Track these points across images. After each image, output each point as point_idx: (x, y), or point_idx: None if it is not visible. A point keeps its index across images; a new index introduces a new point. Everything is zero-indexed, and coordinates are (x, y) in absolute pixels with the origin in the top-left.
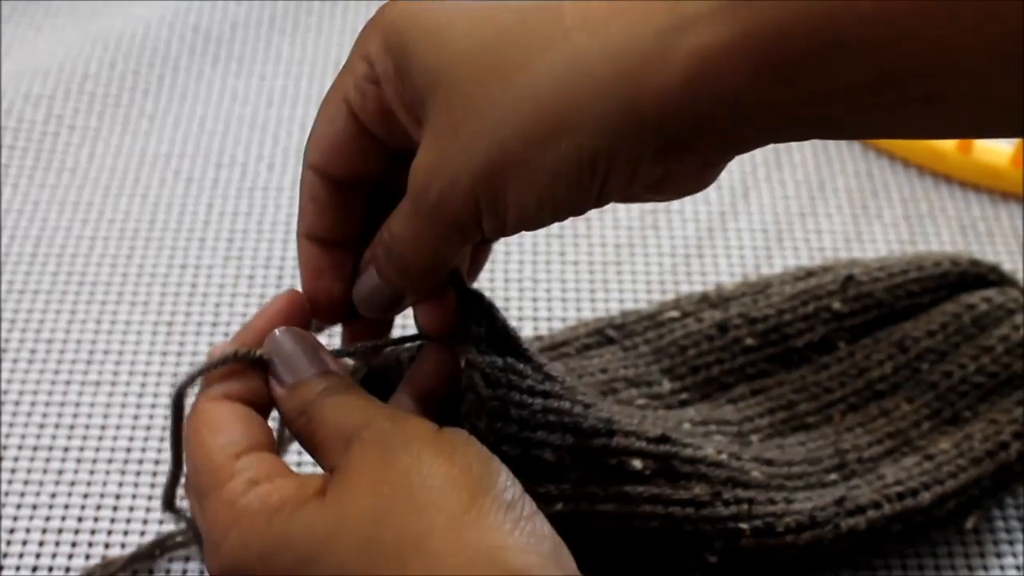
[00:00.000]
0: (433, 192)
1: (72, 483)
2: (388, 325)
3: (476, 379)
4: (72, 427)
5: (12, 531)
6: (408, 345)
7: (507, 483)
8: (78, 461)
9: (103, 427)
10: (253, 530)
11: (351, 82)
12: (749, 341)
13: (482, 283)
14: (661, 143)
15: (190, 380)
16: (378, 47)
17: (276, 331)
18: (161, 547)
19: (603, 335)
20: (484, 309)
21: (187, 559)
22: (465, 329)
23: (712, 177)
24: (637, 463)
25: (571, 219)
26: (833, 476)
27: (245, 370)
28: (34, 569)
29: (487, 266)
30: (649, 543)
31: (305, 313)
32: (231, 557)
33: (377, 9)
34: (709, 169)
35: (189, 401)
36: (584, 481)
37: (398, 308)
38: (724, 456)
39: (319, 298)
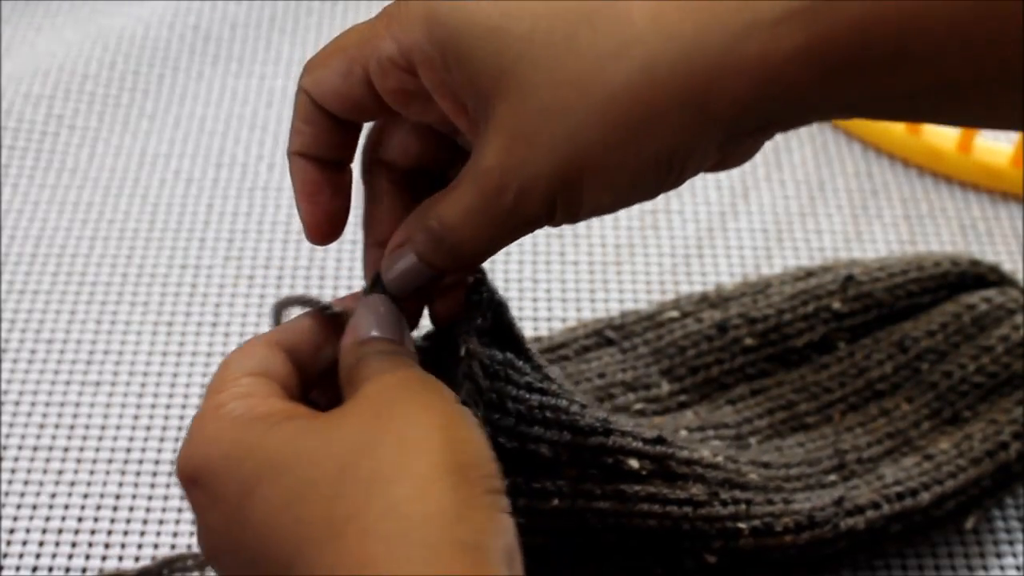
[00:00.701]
0: (509, 194)
1: (72, 483)
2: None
3: (475, 368)
4: (72, 427)
5: (12, 531)
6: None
7: (494, 469)
8: (78, 461)
9: (103, 427)
10: (229, 430)
11: (374, 56)
12: (749, 341)
13: None
14: (730, 137)
15: (286, 302)
16: (420, 36)
17: (373, 295)
18: (170, 567)
19: (602, 336)
20: (494, 303)
21: None
22: (470, 319)
23: (758, 148)
24: (633, 463)
25: None
26: (832, 477)
27: (308, 327)
28: (34, 569)
29: (487, 266)
30: (647, 543)
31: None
32: (198, 448)
33: None
34: (760, 145)
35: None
36: (580, 478)
37: (433, 285)
38: (720, 459)
39: (317, 214)
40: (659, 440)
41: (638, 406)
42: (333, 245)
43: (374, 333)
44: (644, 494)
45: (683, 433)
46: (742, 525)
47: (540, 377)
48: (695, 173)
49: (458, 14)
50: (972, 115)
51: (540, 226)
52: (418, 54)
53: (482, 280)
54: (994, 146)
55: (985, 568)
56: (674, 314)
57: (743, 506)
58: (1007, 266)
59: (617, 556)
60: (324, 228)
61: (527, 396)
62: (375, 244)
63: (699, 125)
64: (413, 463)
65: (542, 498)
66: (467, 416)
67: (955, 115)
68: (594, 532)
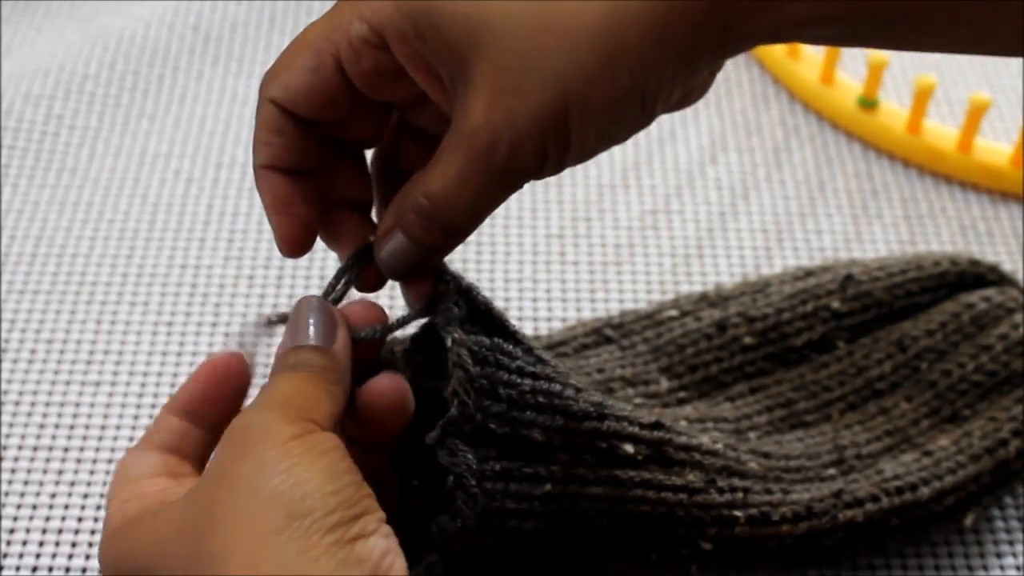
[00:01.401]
0: (502, 148)
1: (72, 483)
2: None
3: (463, 356)
4: (72, 427)
5: (12, 531)
6: (401, 336)
7: (338, 505)
8: (78, 461)
9: (103, 427)
10: (116, 538)
11: (344, 40)
12: (748, 340)
13: (482, 283)
14: (695, 67)
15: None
16: (389, 10)
17: (305, 297)
18: None
19: (601, 335)
20: (462, 290)
21: None
22: (446, 310)
23: (711, 83)
24: (629, 448)
25: (571, 219)
26: (831, 471)
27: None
28: (34, 569)
29: (487, 266)
30: (642, 528)
31: (236, 376)
32: (102, 562)
33: None
34: (713, 78)
35: None
36: (573, 463)
37: (427, 266)
38: (719, 446)
39: (291, 226)
40: (656, 425)
41: (637, 401)
42: None
43: (298, 340)
44: (639, 480)
45: (683, 424)
46: (738, 513)
47: (532, 360)
48: (664, 107)
49: None
50: (924, 32)
51: (529, 179)
52: (390, 29)
53: (442, 268)
54: (994, 146)
55: (985, 568)
56: (673, 313)
57: (740, 494)
58: (1007, 266)
59: (611, 541)
60: (299, 239)
61: (518, 381)
62: (263, 167)
63: (668, 56)
64: (244, 539)
65: (535, 483)
66: (314, 443)
67: (907, 33)
68: (587, 517)
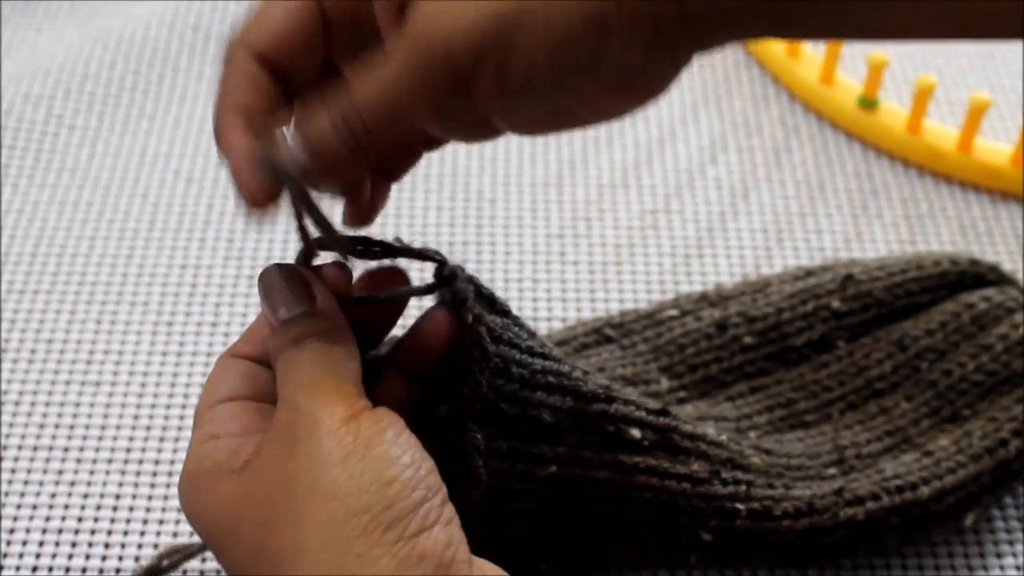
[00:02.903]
0: (440, 39)
1: (72, 483)
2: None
3: (483, 333)
4: (72, 427)
5: (12, 531)
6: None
7: (396, 495)
8: (78, 461)
9: (103, 427)
10: (188, 491)
11: None
12: (748, 340)
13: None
14: (655, 27)
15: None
16: None
17: (268, 268)
18: (169, 558)
19: (601, 334)
20: (468, 277)
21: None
22: (462, 288)
23: (672, 79)
24: (636, 432)
25: (571, 219)
26: (832, 471)
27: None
28: (34, 569)
29: (487, 266)
30: (643, 515)
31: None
32: (180, 498)
33: None
34: (675, 70)
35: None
36: (580, 445)
37: (346, 174)
38: (724, 437)
39: (258, 182)
40: (663, 412)
41: None
42: None
43: (282, 314)
44: (644, 466)
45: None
46: (740, 506)
47: (540, 343)
48: (620, 60)
49: None
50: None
51: (460, 78)
52: None
53: (443, 261)
54: (994, 146)
55: (985, 568)
56: (673, 312)
57: (743, 487)
58: (1007, 266)
59: (613, 526)
60: (266, 194)
61: (530, 360)
62: (229, 109)
63: (644, 15)
64: (308, 539)
65: (540, 464)
66: (365, 429)
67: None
68: (590, 501)
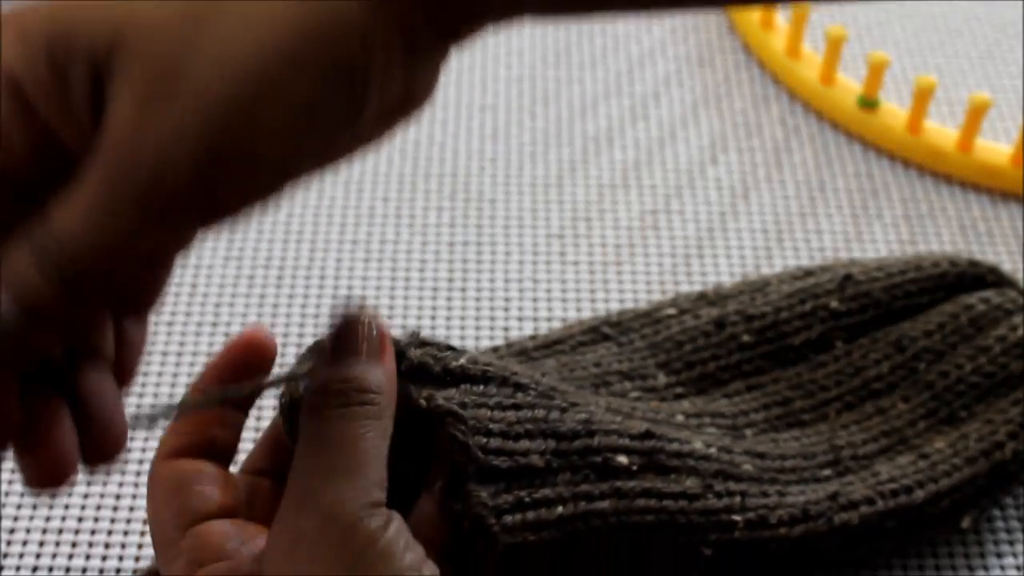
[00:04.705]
0: (148, 158)
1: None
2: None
3: (444, 404)
4: None
5: (12, 531)
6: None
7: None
8: None
9: None
10: None
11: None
12: (746, 338)
13: (482, 283)
14: (409, 45)
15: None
16: (15, 56)
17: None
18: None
19: (598, 332)
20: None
21: None
22: (404, 380)
23: (436, 81)
24: (623, 459)
25: (571, 219)
26: (827, 472)
27: (203, 417)
28: (34, 569)
29: (487, 266)
30: (647, 539)
31: (267, 350)
32: None
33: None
34: (437, 72)
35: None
36: (576, 481)
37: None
38: (713, 450)
39: None
40: (647, 435)
41: (634, 394)
42: (333, 245)
43: (345, 373)
44: (639, 489)
45: (680, 418)
46: (737, 517)
47: (510, 391)
48: (385, 93)
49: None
50: None
51: (198, 214)
52: (20, 64)
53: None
54: (994, 146)
55: (985, 568)
56: (671, 311)
57: (738, 498)
58: (1007, 266)
59: (620, 556)
60: None
61: (503, 415)
62: None
63: (372, 25)
64: None
65: (547, 507)
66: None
67: None
68: (600, 533)
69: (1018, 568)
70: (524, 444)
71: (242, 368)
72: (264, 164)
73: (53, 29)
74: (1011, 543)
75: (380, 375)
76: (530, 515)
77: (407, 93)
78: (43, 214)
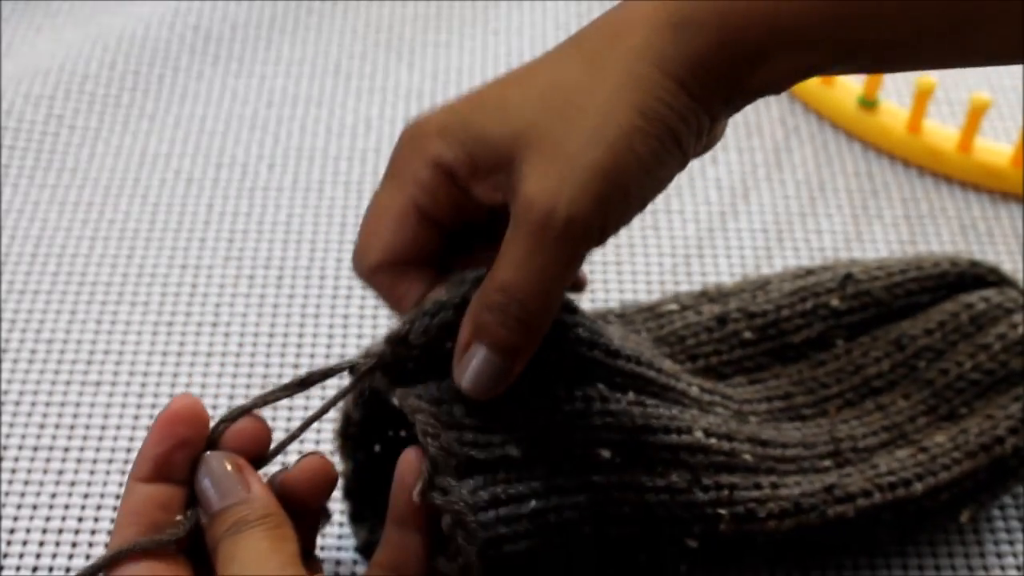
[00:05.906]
0: (561, 210)
1: (72, 483)
2: None
3: (414, 403)
4: (72, 427)
5: (12, 531)
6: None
7: None
8: (78, 461)
9: (103, 427)
10: None
11: (415, 190)
12: (747, 335)
13: None
14: (713, 113)
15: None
16: (442, 148)
17: (207, 455)
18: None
19: (605, 319)
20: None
21: None
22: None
23: (724, 128)
24: (605, 453)
25: None
26: (827, 462)
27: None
28: (34, 569)
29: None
30: (628, 530)
31: (197, 421)
32: None
33: (404, 132)
34: (727, 120)
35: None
36: (552, 474)
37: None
38: (713, 440)
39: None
40: (637, 428)
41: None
42: (334, 245)
43: (215, 507)
44: (619, 483)
45: (695, 391)
46: (723, 511)
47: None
48: (697, 146)
49: (454, 117)
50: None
51: (592, 243)
52: (449, 158)
53: (352, 366)
54: (994, 146)
55: (985, 568)
56: (673, 307)
57: (726, 492)
58: (1007, 266)
59: (599, 547)
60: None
61: (476, 410)
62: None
63: (690, 107)
64: None
65: (520, 502)
66: None
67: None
68: (574, 526)
69: (1018, 568)
70: (501, 437)
71: (178, 445)
72: (635, 202)
73: (467, 131)
74: (1011, 543)
75: (240, 493)
76: (502, 511)
77: (709, 142)
78: (484, 284)
